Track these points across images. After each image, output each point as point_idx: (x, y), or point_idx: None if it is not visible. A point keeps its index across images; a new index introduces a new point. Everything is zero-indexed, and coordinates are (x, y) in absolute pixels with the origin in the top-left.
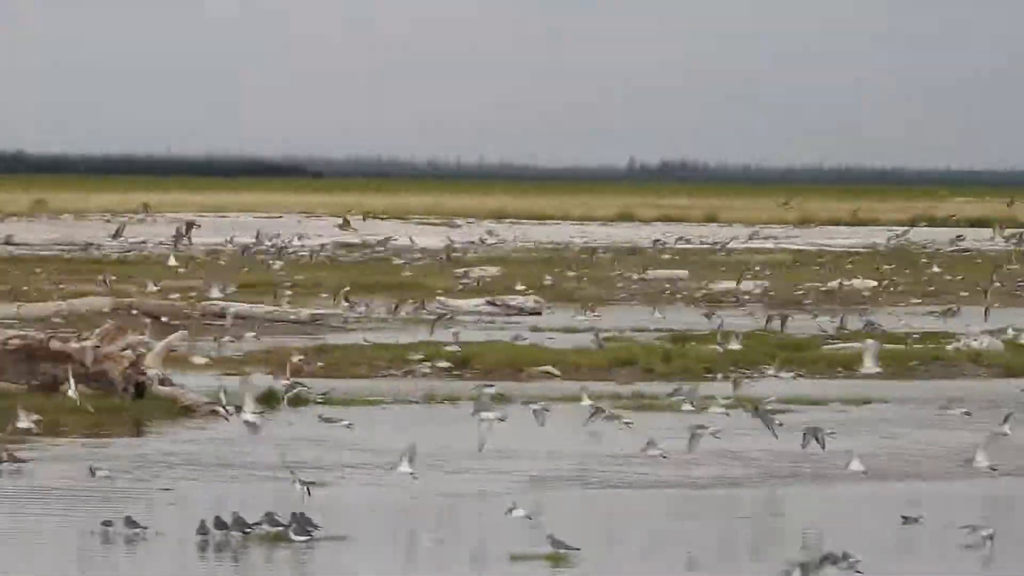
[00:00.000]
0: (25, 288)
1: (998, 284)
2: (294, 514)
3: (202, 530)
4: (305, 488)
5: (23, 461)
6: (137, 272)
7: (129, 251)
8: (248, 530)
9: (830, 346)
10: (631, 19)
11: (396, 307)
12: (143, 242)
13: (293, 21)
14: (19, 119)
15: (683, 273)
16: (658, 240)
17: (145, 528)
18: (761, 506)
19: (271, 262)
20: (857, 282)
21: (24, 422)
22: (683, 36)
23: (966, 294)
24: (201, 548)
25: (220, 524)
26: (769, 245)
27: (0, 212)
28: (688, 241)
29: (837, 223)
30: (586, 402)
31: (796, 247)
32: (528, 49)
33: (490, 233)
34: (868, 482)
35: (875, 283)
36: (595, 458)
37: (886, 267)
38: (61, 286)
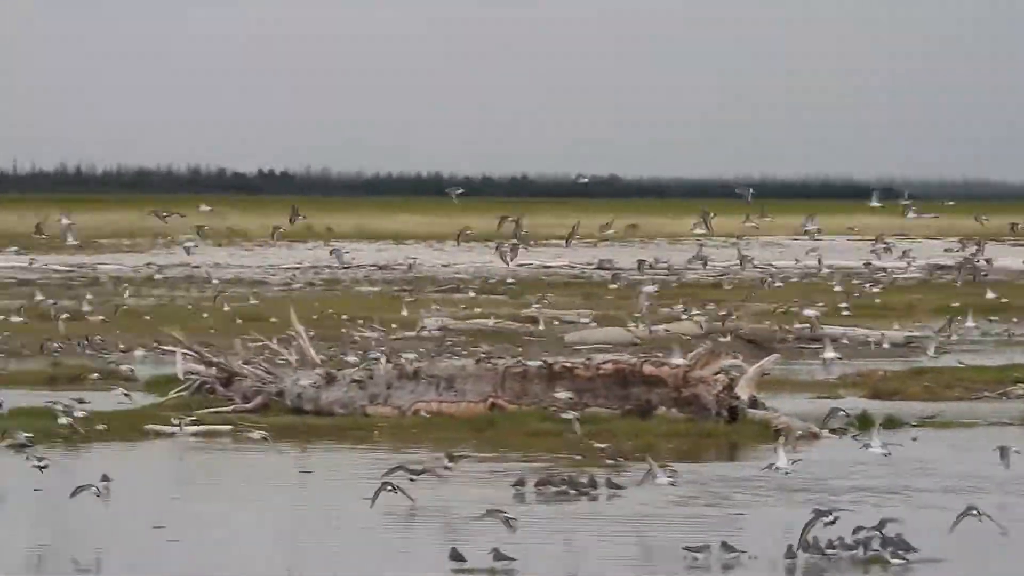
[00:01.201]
0: (618, 313)
1: None
2: (885, 535)
3: (789, 554)
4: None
5: (620, 487)
6: (728, 296)
7: (723, 275)
8: (834, 552)
9: None
10: None
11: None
12: (732, 265)
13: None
14: (615, 143)
15: None
16: None
17: (743, 552)
18: None
19: (866, 285)
20: None
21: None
22: None
23: None
24: (789, 571)
25: (809, 547)
26: None
27: (593, 236)
28: None
29: None
30: None
31: None
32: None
33: None
34: None
35: None
36: None
37: None
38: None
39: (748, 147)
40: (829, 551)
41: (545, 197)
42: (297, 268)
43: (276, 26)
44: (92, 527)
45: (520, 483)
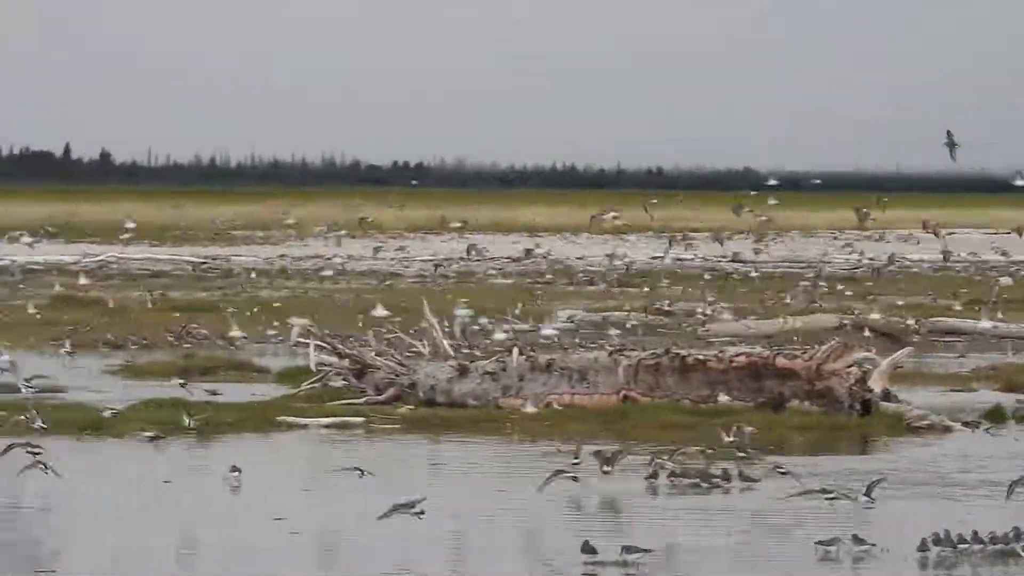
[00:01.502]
0: (753, 306)
1: None
2: (1018, 529)
3: (923, 547)
4: None
5: (753, 480)
6: (865, 290)
7: (856, 268)
8: (966, 546)
9: None
10: None
11: None
12: (871, 258)
13: None
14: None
15: None
16: None
17: (873, 545)
18: None
19: (997, 277)
20: None
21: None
22: None
23: None
24: (921, 565)
25: (940, 541)
26: None
27: (727, 231)
28: None
29: None
30: None
31: None
32: None
33: None
34: None
35: None
36: None
37: None
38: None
39: (882, 139)
40: (961, 545)
41: (678, 189)
42: (431, 260)
43: (412, 25)
44: (214, 518)
45: (653, 476)
